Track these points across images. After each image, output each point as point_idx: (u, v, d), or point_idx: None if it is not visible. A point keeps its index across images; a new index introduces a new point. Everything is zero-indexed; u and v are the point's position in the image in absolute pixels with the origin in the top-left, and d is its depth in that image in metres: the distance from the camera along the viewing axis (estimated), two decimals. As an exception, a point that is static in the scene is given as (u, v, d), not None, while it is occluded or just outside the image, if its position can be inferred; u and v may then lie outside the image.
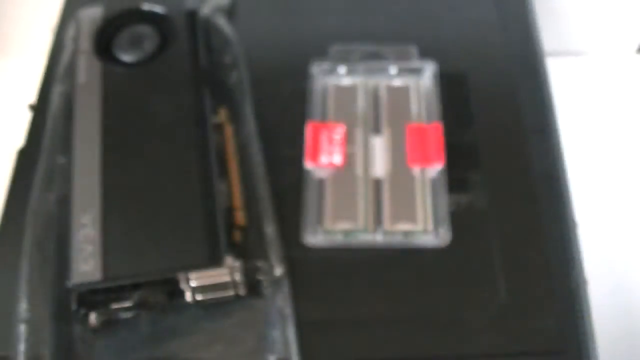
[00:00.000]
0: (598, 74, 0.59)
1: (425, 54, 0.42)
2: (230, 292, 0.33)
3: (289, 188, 0.38)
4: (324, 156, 0.38)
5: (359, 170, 0.38)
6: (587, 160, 0.53)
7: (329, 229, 0.36)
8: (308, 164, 0.38)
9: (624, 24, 0.59)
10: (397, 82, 0.41)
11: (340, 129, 0.39)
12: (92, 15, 0.41)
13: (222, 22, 0.43)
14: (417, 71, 0.42)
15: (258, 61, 0.43)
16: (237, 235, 0.35)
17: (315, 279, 0.35)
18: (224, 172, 0.37)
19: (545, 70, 0.43)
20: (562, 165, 0.39)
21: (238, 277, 0.32)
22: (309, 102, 0.40)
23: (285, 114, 0.41)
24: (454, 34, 0.45)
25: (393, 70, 0.42)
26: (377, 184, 0.37)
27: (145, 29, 0.40)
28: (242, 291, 0.33)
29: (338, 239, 0.36)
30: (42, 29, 0.47)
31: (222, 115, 0.39)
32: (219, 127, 0.38)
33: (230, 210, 0.36)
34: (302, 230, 0.36)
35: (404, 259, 0.35)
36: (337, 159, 0.38)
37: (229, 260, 0.32)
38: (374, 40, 0.43)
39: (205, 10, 0.43)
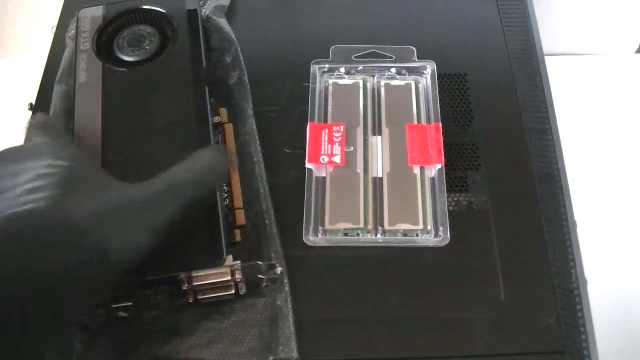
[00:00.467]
0: (598, 74, 0.59)
1: (425, 53, 0.42)
2: (231, 291, 0.33)
3: (290, 187, 0.38)
4: (325, 155, 0.38)
5: (359, 169, 0.38)
6: (587, 160, 0.53)
7: (329, 229, 0.36)
8: (309, 164, 0.38)
9: (624, 24, 0.59)
10: (397, 82, 0.41)
11: (340, 128, 0.39)
12: (93, 14, 0.41)
13: (222, 21, 0.43)
14: (416, 71, 0.42)
15: (259, 61, 0.43)
16: (238, 235, 0.35)
17: (316, 278, 0.35)
18: None
19: (545, 70, 0.43)
20: (561, 164, 0.39)
21: (239, 276, 0.32)
22: (310, 102, 0.40)
23: (285, 114, 0.41)
24: (454, 34, 0.45)
25: (393, 70, 0.42)
26: (377, 183, 0.37)
27: (146, 29, 0.40)
28: (242, 290, 0.33)
29: (338, 238, 0.36)
30: (42, 29, 0.47)
31: (223, 114, 0.39)
32: (219, 127, 0.38)
33: (230, 210, 0.36)
34: (303, 230, 0.36)
35: (404, 258, 0.35)
36: (338, 158, 0.38)
37: (230, 260, 0.32)
38: (375, 41, 0.43)
39: (205, 10, 0.43)
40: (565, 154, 0.39)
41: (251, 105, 0.40)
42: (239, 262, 0.33)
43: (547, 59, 0.43)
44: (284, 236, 0.35)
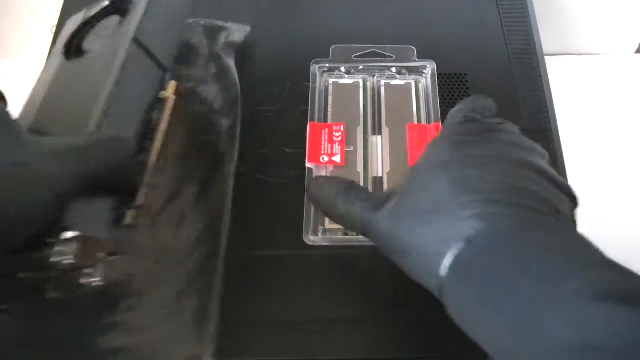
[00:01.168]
0: (598, 74, 0.59)
1: (425, 53, 0.42)
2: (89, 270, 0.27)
3: (290, 187, 0.38)
4: (325, 155, 0.38)
5: (360, 168, 0.38)
6: (587, 160, 0.53)
7: (329, 228, 0.36)
8: (309, 163, 0.38)
9: (624, 24, 0.59)
10: (397, 82, 0.42)
11: (340, 128, 0.39)
12: (76, 20, 0.39)
13: (230, 62, 0.41)
14: (416, 71, 0.42)
15: (259, 61, 0.43)
16: (129, 216, 0.31)
17: (316, 278, 0.35)
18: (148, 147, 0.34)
19: (545, 70, 0.43)
20: (561, 164, 0.39)
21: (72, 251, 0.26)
22: (310, 101, 0.40)
23: (285, 114, 0.41)
24: (454, 34, 0.45)
25: (393, 69, 0.42)
26: (378, 182, 0.37)
27: (114, 19, 0.37)
28: (97, 274, 0.27)
29: (339, 238, 0.36)
30: (42, 29, 0.47)
31: (171, 88, 0.36)
32: (163, 101, 0.35)
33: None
34: (303, 229, 0.36)
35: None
36: (338, 157, 0.38)
37: (68, 236, 0.26)
38: (375, 41, 0.43)
39: (217, 45, 0.41)
40: (565, 154, 0.39)
41: (235, 159, 0.38)
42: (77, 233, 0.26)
43: (547, 59, 0.43)
44: (284, 236, 0.35)
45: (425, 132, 0.39)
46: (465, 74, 0.42)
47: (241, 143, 0.40)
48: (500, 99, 0.41)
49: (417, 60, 0.42)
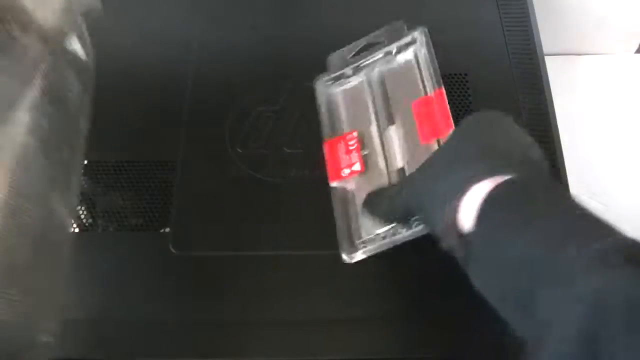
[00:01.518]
0: (598, 74, 0.59)
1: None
2: None
3: (290, 187, 0.38)
4: (345, 168, 0.38)
5: (381, 164, 0.37)
6: (587, 160, 0.53)
7: (367, 239, 0.35)
8: (333, 182, 0.37)
9: (624, 24, 0.59)
10: (398, 62, 0.40)
11: (353, 134, 0.39)
12: None
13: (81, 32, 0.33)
14: (410, 44, 0.40)
15: (259, 61, 0.43)
16: None
17: (316, 278, 0.35)
18: None
19: (545, 70, 0.43)
20: (561, 164, 0.39)
21: None
22: (320, 119, 0.40)
23: (285, 114, 0.41)
24: (454, 34, 0.45)
25: (392, 52, 0.41)
26: (401, 174, 0.37)
27: None
28: None
29: (378, 245, 0.34)
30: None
31: None
32: None
33: None
34: (341, 248, 0.35)
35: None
36: (357, 165, 0.38)
37: None
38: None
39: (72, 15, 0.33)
40: (566, 154, 0.39)
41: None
42: None
43: (547, 59, 0.43)
44: (284, 236, 0.35)
45: (429, 103, 0.38)
46: (465, 74, 0.42)
47: (241, 143, 0.40)
48: (500, 99, 0.41)
49: (407, 32, 0.41)
